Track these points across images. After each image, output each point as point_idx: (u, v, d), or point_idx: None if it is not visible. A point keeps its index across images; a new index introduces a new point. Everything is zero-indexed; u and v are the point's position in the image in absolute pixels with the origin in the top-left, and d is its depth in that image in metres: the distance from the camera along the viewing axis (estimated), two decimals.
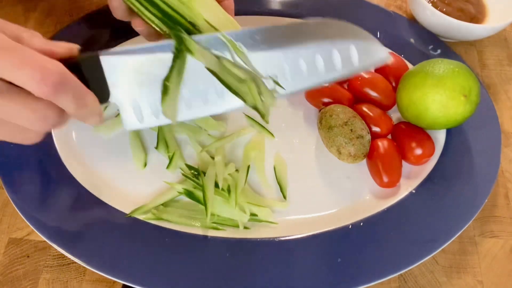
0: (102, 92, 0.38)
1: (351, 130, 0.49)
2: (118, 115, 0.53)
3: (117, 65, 0.38)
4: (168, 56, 0.39)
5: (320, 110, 0.54)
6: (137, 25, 0.45)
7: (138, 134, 0.53)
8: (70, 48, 0.36)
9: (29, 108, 0.33)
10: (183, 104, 0.40)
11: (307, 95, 0.57)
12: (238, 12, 0.49)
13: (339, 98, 0.55)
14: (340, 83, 0.57)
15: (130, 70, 0.39)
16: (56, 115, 0.34)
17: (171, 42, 0.39)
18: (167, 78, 0.39)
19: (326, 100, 0.55)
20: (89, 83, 0.37)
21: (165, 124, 0.42)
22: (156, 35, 0.46)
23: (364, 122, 0.51)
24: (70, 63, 0.35)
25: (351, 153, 0.49)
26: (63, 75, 0.33)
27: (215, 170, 0.49)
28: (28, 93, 0.32)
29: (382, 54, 0.43)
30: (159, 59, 0.39)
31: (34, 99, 0.33)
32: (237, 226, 0.47)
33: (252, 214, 0.48)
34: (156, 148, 0.51)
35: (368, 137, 0.50)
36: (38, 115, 0.34)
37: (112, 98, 0.39)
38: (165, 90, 0.39)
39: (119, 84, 0.39)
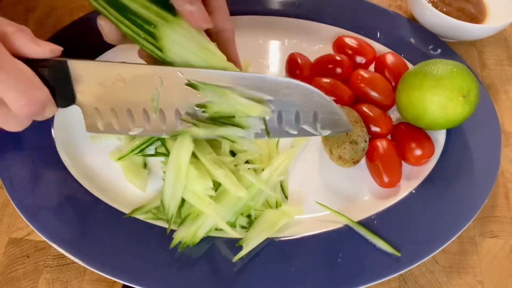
0: (67, 95, 0.40)
1: (347, 133, 0.49)
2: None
3: (84, 72, 0.40)
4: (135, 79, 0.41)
5: None
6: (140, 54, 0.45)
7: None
8: (53, 50, 0.38)
9: (4, 114, 0.36)
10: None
11: None
12: (238, 12, 0.49)
13: (340, 95, 0.55)
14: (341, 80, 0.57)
15: (96, 80, 0.40)
16: (27, 121, 0.39)
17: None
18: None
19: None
20: (55, 86, 0.38)
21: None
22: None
23: (365, 130, 0.51)
24: (41, 64, 0.37)
25: (341, 156, 0.49)
26: (45, 103, 0.36)
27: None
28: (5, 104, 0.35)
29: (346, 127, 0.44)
30: (123, 79, 0.40)
31: (8, 109, 0.36)
32: (235, 226, 0.47)
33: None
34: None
35: (364, 145, 0.50)
36: (10, 122, 0.37)
37: (77, 102, 0.41)
38: None
39: (84, 90, 0.40)
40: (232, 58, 0.46)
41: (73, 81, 0.40)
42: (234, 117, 0.42)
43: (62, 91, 0.40)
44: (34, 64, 0.36)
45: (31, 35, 0.37)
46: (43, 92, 0.36)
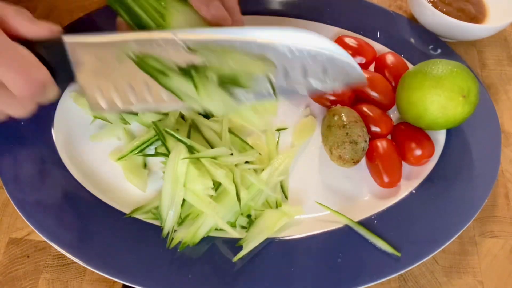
0: (67, 75, 0.39)
1: (347, 133, 0.49)
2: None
3: (81, 49, 0.39)
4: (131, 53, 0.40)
5: (328, 109, 0.54)
6: None
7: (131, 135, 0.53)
8: (51, 30, 0.38)
9: (6, 98, 0.36)
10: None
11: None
12: None
13: (340, 96, 0.55)
14: None
15: (94, 56, 0.39)
16: (31, 105, 0.38)
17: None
18: None
19: (328, 97, 0.55)
20: (54, 66, 0.38)
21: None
22: None
23: (365, 129, 0.51)
24: (39, 45, 0.37)
25: (341, 156, 0.49)
26: (44, 83, 0.36)
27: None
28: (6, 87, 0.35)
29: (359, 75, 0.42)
30: (122, 52, 0.39)
31: (12, 93, 0.35)
32: (235, 226, 0.47)
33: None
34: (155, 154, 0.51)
35: (364, 145, 0.50)
36: (14, 106, 0.37)
37: (78, 81, 0.40)
38: None
39: (83, 68, 0.40)
40: None
41: (72, 59, 0.39)
42: (238, 77, 0.40)
43: (62, 71, 0.39)
44: (32, 45, 0.36)
45: (29, 17, 0.37)
46: (42, 71, 0.36)
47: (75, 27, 0.60)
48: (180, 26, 0.42)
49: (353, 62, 0.41)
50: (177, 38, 0.39)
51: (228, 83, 0.40)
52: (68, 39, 0.38)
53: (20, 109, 0.38)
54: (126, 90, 0.41)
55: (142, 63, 0.39)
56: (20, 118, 0.38)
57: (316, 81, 0.41)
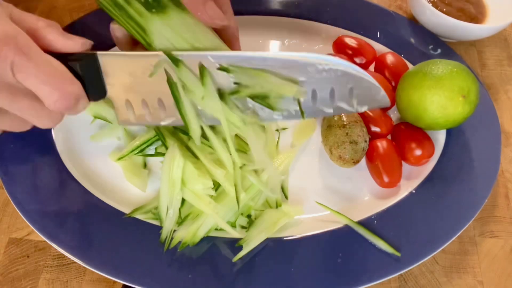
0: (98, 89, 0.40)
1: (347, 133, 0.49)
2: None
3: (114, 65, 0.39)
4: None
5: None
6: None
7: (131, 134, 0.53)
8: (83, 43, 0.38)
9: (37, 111, 0.36)
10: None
11: None
12: (238, 12, 0.49)
13: None
14: None
15: (126, 72, 0.39)
16: (60, 117, 0.38)
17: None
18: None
19: None
20: (86, 80, 0.38)
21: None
22: None
23: (365, 129, 0.51)
24: (71, 58, 0.37)
25: (341, 156, 0.49)
26: (77, 98, 0.36)
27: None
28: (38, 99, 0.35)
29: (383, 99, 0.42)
30: (154, 68, 0.39)
31: (43, 106, 0.35)
32: (235, 226, 0.47)
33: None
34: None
35: (364, 145, 0.50)
36: (44, 118, 0.37)
37: (108, 95, 0.40)
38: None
39: (115, 83, 0.40)
40: None
41: (104, 74, 0.39)
42: (268, 97, 0.40)
43: (93, 85, 0.39)
44: (64, 58, 0.36)
45: (60, 30, 0.37)
46: (76, 86, 0.36)
47: (75, 27, 0.60)
48: (167, 36, 0.40)
49: (378, 86, 0.41)
50: (209, 56, 0.39)
51: (258, 103, 0.40)
52: (100, 53, 0.38)
53: (49, 121, 0.38)
54: (156, 105, 0.41)
55: (172, 82, 0.39)
56: (45, 129, 0.38)
57: (343, 103, 0.41)
